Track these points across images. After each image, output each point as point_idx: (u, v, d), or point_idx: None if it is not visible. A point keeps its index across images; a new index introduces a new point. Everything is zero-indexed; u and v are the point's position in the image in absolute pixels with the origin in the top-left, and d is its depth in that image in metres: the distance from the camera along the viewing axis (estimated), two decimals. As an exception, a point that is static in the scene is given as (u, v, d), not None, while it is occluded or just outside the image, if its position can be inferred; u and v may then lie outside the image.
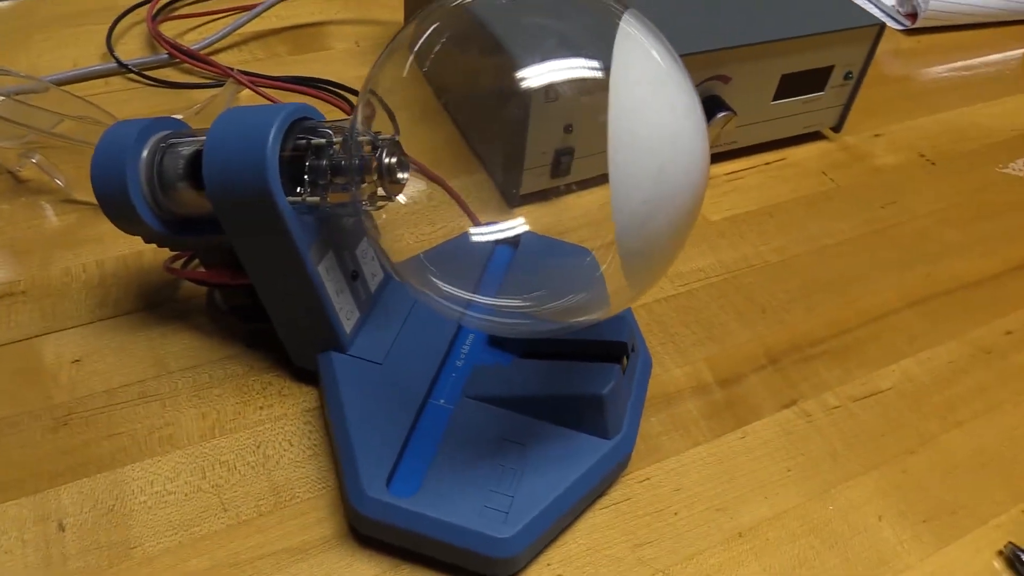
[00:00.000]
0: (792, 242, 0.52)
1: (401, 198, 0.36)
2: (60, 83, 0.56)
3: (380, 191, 0.34)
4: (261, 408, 0.40)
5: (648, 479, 0.38)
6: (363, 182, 0.33)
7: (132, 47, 0.62)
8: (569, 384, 0.35)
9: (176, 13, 0.65)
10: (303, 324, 0.38)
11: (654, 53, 0.27)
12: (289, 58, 0.62)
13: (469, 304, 0.34)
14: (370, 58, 0.62)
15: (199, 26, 0.64)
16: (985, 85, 0.70)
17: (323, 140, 0.34)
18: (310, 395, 0.40)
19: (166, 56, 0.59)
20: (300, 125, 0.35)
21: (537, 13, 0.37)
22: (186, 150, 0.37)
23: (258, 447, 0.38)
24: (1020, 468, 0.41)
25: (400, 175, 0.34)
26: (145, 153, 0.37)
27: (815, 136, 0.60)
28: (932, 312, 0.48)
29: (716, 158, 0.56)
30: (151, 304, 0.44)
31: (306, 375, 0.41)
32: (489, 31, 0.36)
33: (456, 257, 0.36)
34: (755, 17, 0.52)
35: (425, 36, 0.33)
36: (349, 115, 0.56)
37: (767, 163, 0.57)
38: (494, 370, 0.37)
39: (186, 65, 0.60)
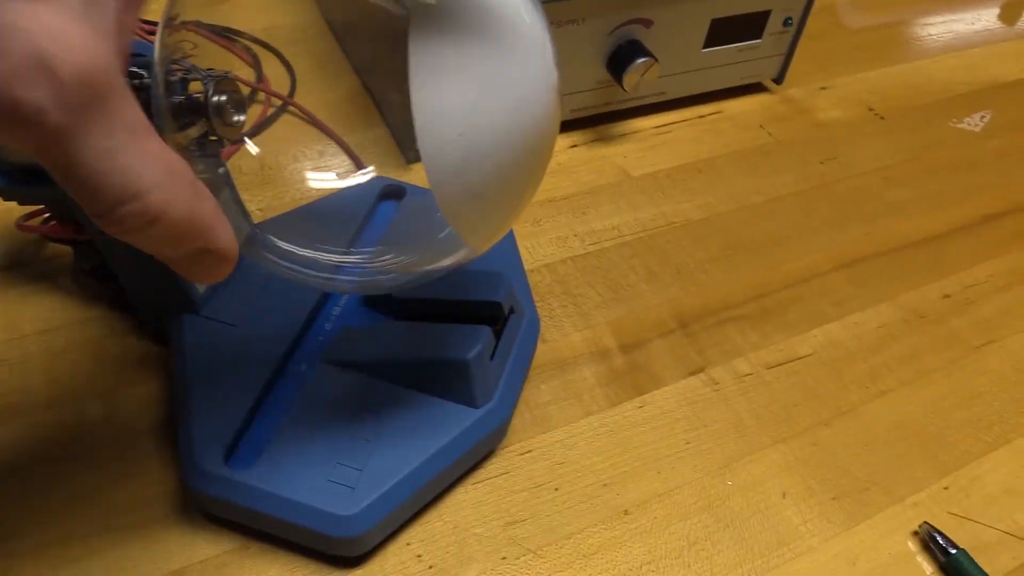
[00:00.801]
0: (719, 199, 0.48)
1: (251, 147, 0.33)
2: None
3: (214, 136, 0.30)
4: (116, 373, 0.36)
5: (530, 451, 0.35)
6: (191, 124, 0.30)
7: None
8: (434, 348, 0.32)
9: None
10: (150, 286, 0.34)
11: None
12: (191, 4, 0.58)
13: (338, 268, 0.30)
14: (284, 5, 0.58)
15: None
16: (943, 37, 0.66)
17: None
18: (169, 360, 0.37)
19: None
20: (133, 61, 0.32)
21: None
22: (14, 91, 0.33)
23: (107, 418, 0.35)
24: (944, 443, 0.37)
25: (236, 116, 0.30)
26: (-27, 95, 0.33)
27: (756, 88, 0.56)
28: (865, 274, 0.45)
29: (644, 110, 0.53)
30: (14, 263, 0.41)
31: (166, 340, 0.37)
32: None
33: (324, 217, 0.33)
34: (681, -45, 0.48)
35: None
36: (249, 65, 0.52)
37: (701, 116, 0.54)
38: (358, 333, 0.34)
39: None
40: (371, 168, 0.35)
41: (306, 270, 0.31)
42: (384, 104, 0.48)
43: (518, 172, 0.25)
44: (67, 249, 0.41)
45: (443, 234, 0.28)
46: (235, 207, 0.34)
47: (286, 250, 0.30)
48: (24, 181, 0.35)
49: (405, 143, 0.47)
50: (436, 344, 0.32)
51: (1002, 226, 0.49)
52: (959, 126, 0.56)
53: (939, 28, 0.67)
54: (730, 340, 0.40)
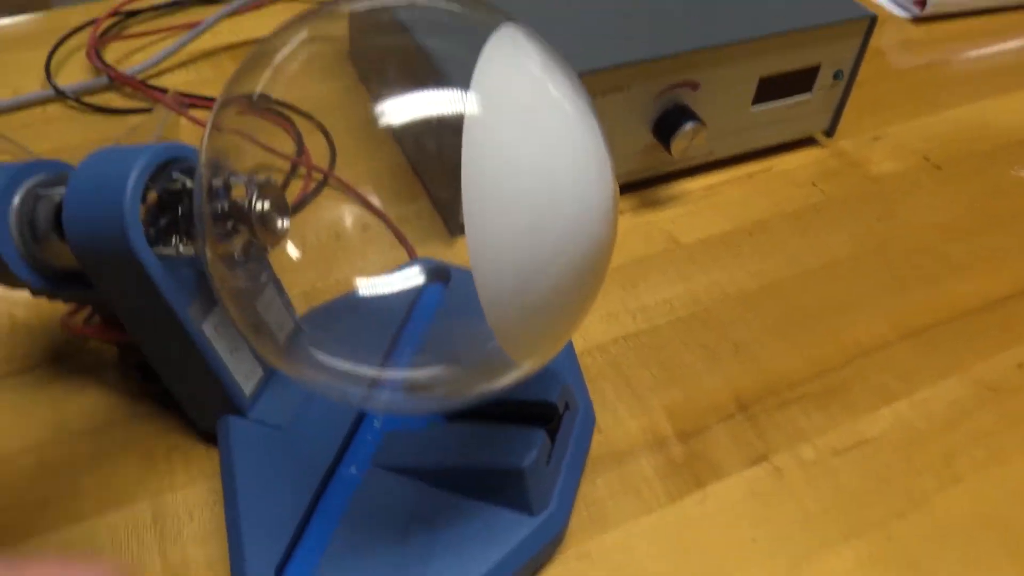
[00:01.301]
0: (773, 265, 0.46)
1: (291, 250, 0.32)
2: (-8, 113, 0.53)
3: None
4: (163, 475, 0.36)
5: (588, 555, 0.34)
6: (234, 232, 0.29)
7: (75, 71, 0.59)
8: (487, 454, 0.31)
9: (124, 33, 0.61)
10: (196, 387, 0.34)
11: (525, 78, 0.23)
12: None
13: (374, 384, 0.29)
14: (320, 74, 0.58)
15: (148, 45, 0.61)
16: (1000, 78, 0.63)
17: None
18: (217, 461, 0.36)
19: (106, 80, 0.56)
20: (177, 165, 0.31)
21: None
22: (58, 196, 0.33)
23: (155, 521, 0.34)
24: (1028, 532, 0.35)
25: (279, 222, 0.30)
26: (17, 201, 0.33)
27: (806, 142, 0.55)
28: (930, 344, 0.43)
29: (690, 172, 0.51)
30: (59, 357, 0.40)
31: (215, 439, 0.37)
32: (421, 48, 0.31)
33: (356, 316, 0.32)
34: (724, 13, 0.47)
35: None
36: (292, 139, 0.52)
37: (750, 175, 0.52)
38: (408, 436, 0.33)
39: (128, 89, 0.56)
40: (417, 267, 0.34)
41: (341, 386, 0.30)
42: (426, 176, 0.48)
43: (576, 291, 0.24)
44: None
45: (492, 344, 0.27)
46: (278, 303, 0.34)
47: (321, 363, 0.29)
48: (65, 284, 0.35)
49: (449, 216, 0.46)
50: (489, 449, 0.31)
51: (1074, 285, 0.46)
52: (1021, 174, 0.54)
53: (989, 67, 0.65)
54: (793, 423, 0.39)
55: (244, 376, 0.34)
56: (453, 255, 0.44)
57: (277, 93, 0.56)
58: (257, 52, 0.30)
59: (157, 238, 0.31)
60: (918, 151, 0.55)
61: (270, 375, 0.35)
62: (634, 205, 0.49)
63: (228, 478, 0.32)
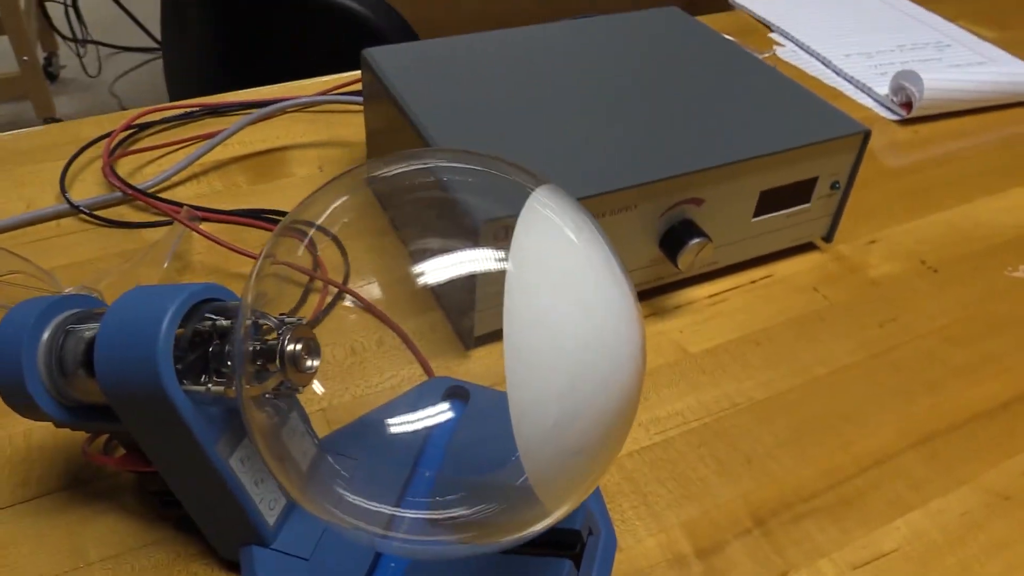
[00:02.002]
0: (780, 375, 0.47)
1: (317, 387, 0.33)
2: (8, 228, 0.54)
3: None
4: (183, 606, 0.36)
5: None
6: (265, 372, 0.30)
7: (89, 185, 0.60)
8: (513, 586, 0.31)
9: (137, 147, 0.63)
10: (220, 517, 0.34)
11: (559, 244, 0.24)
12: (248, 188, 0.59)
13: (391, 522, 0.29)
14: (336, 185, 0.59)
15: (160, 157, 0.63)
16: (989, 176, 0.66)
17: (229, 323, 0.31)
18: (238, 589, 0.36)
19: (119, 194, 0.57)
20: (208, 306, 0.32)
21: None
22: (89, 334, 0.34)
23: (176, 656, 0.34)
24: (1050, 649, 0.35)
25: (309, 363, 0.30)
26: (46, 336, 0.34)
27: (805, 248, 0.56)
28: (939, 452, 0.43)
29: (695, 280, 0.52)
30: (76, 482, 0.40)
31: (236, 566, 0.37)
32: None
33: (376, 434, 0.32)
34: (725, 134, 0.49)
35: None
36: (308, 251, 0.53)
37: (753, 281, 0.53)
38: (431, 566, 0.33)
39: (140, 203, 0.57)
40: (445, 405, 0.35)
41: (355, 521, 0.30)
42: (439, 288, 0.49)
43: (608, 439, 0.24)
44: (130, 464, 0.41)
45: (521, 481, 0.28)
46: (301, 430, 0.34)
47: (338, 494, 0.30)
48: (90, 417, 0.36)
49: (462, 328, 0.46)
50: (515, 581, 0.31)
51: (1075, 387, 0.48)
52: (1014, 275, 0.56)
53: (976, 167, 0.67)
54: (810, 538, 0.39)
55: (268, 507, 0.34)
56: (467, 371, 0.45)
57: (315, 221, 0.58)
58: (301, 207, 0.31)
59: (185, 375, 0.31)
60: (914, 254, 0.57)
61: (293, 506, 0.35)
62: (643, 314, 0.50)
63: (253, 612, 0.32)
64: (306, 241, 0.35)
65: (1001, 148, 0.70)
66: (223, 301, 0.32)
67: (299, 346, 0.30)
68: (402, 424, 0.36)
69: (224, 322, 0.31)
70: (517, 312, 0.22)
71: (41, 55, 2.10)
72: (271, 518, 0.34)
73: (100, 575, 0.37)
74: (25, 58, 1.84)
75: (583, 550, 0.33)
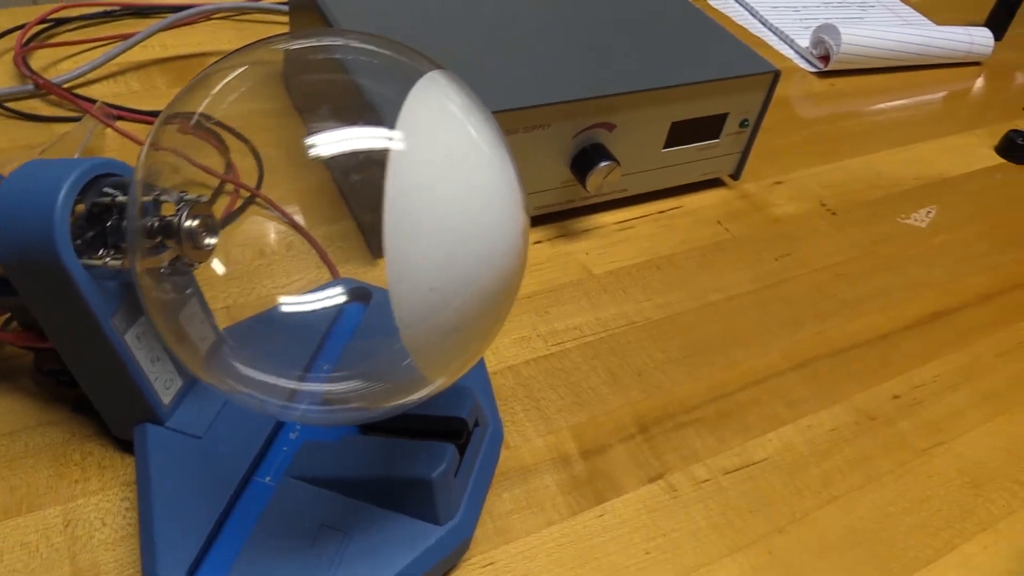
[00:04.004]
0: (678, 298, 0.49)
1: (217, 266, 0.33)
2: (-89, 114, 0.53)
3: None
4: (76, 481, 0.36)
5: (491, 563, 0.35)
6: (163, 247, 0.30)
7: (2, 77, 0.58)
8: (397, 465, 0.33)
9: (52, 41, 0.61)
10: (115, 394, 0.34)
11: (449, 120, 0.25)
12: (167, 90, 0.58)
13: (292, 396, 0.31)
14: (258, 92, 0.59)
15: (77, 54, 0.61)
16: (895, 131, 0.69)
17: (125, 198, 0.31)
18: (132, 467, 0.37)
19: (31, 87, 0.56)
20: (108, 180, 0.32)
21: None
22: (-16, 204, 0.33)
23: (67, 526, 0.35)
24: (895, 549, 0.39)
25: (207, 240, 0.31)
26: (-59, 206, 0.34)
27: (714, 183, 0.58)
28: (818, 375, 0.46)
29: (604, 206, 0.54)
30: (-27, 362, 0.40)
31: (130, 446, 0.37)
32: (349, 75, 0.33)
33: (277, 331, 0.33)
34: (642, 63, 0.50)
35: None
36: (221, 155, 0.53)
37: (661, 211, 0.55)
38: (322, 447, 0.34)
39: (54, 97, 0.56)
40: (340, 288, 0.36)
41: (261, 397, 0.31)
42: (352, 198, 0.49)
43: (487, 312, 0.26)
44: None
45: (407, 361, 0.29)
46: (200, 316, 0.35)
47: (241, 375, 0.31)
48: (-12, 290, 0.35)
49: (372, 238, 0.47)
50: (399, 461, 0.33)
51: (949, 324, 0.51)
52: (906, 222, 0.59)
53: (884, 121, 0.70)
54: (689, 445, 0.41)
55: (163, 386, 0.35)
56: (375, 277, 0.46)
57: (215, 114, 0.58)
58: (199, 77, 0.31)
59: (84, 250, 0.31)
60: (816, 196, 0.60)
61: (189, 386, 0.36)
62: (551, 235, 0.52)
63: (143, 484, 0.33)
64: (202, 134, 0.35)
65: (911, 107, 0.73)
66: (123, 176, 0.32)
67: (196, 222, 0.30)
68: (305, 315, 0.37)
69: (123, 197, 0.31)
70: (399, 178, 0.23)
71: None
72: (166, 397, 0.35)
73: (-7, 451, 0.37)
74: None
75: (468, 439, 0.35)
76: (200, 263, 0.31)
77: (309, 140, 0.28)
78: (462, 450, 0.34)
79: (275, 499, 0.33)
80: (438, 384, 0.28)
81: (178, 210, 0.30)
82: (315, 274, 0.45)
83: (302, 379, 0.34)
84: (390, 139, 0.24)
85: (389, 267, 0.23)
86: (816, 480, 0.41)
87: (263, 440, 0.35)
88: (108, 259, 0.31)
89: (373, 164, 0.27)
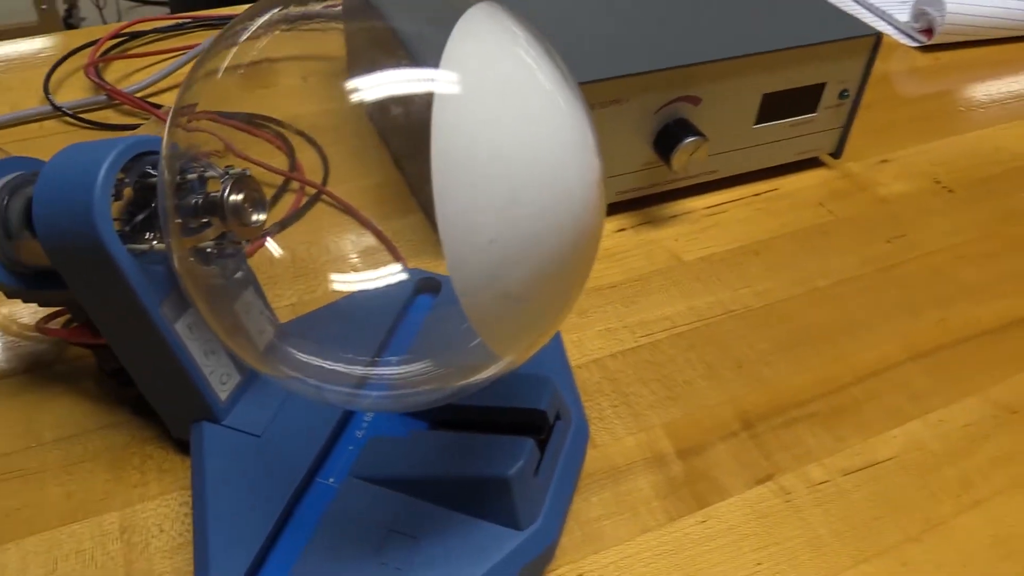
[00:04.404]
0: (780, 284, 0.45)
1: (272, 246, 0.31)
2: (-12, 128, 0.53)
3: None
4: (135, 486, 0.34)
5: (580, 575, 0.31)
6: (207, 225, 0.28)
7: (74, 90, 0.58)
8: (470, 463, 0.29)
9: (125, 54, 0.61)
10: (169, 391, 0.32)
11: (501, 50, 0.21)
12: (235, 95, 0.57)
13: (363, 382, 0.28)
14: (318, 93, 0.57)
15: (150, 66, 0.61)
16: (1011, 104, 0.62)
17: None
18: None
19: (104, 97, 0.55)
20: (150, 158, 0.30)
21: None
22: (31, 192, 0.32)
23: (123, 532, 0.32)
24: (1053, 560, 0.33)
25: (255, 216, 0.28)
26: (-9, 196, 0.32)
27: (812, 163, 0.53)
28: (945, 365, 0.41)
29: (692, 190, 0.50)
30: (36, 365, 0.39)
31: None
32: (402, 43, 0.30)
33: (351, 317, 0.30)
34: (728, 28, 0.46)
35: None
36: (284, 152, 0.51)
37: (756, 194, 0.51)
38: (389, 444, 0.31)
39: (126, 107, 0.56)
40: (402, 267, 0.33)
41: (327, 385, 0.28)
42: (420, 191, 0.47)
43: (558, 277, 0.22)
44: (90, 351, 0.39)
45: (476, 342, 0.26)
46: (258, 307, 0.32)
47: (305, 362, 0.28)
48: (39, 284, 0.34)
49: (427, 203, 0.44)
50: (473, 458, 0.29)
51: (1094, 307, 0.45)
52: (1035, 198, 0.52)
53: (998, 94, 0.64)
54: (801, 443, 0.37)
55: (219, 380, 0.32)
56: (444, 268, 0.43)
57: (275, 114, 0.56)
58: (233, 39, 0.29)
59: (132, 235, 0.29)
60: (928, 174, 0.54)
61: (248, 382, 0.34)
62: (636, 222, 0.48)
63: (198, 486, 0.31)
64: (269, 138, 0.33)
65: (1022, 80, 0.66)
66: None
67: (241, 196, 0.28)
68: (370, 301, 0.34)
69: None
70: (446, 112, 0.20)
71: (62, 6, 2.09)
72: (223, 393, 0.32)
73: (53, 455, 0.35)
74: (44, 7, 1.83)
75: (550, 434, 0.31)
76: (249, 241, 0.29)
77: (351, 84, 0.25)
78: (542, 446, 0.31)
79: (337, 501, 0.30)
80: (508, 361, 0.24)
81: (222, 185, 0.28)
82: (383, 269, 0.43)
83: (370, 365, 0.31)
84: (432, 76, 0.21)
85: (441, 217, 0.20)
86: (953, 482, 0.36)
87: (326, 438, 0.32)
88: (155, 242, 0.29)
89: (416, 107, 0.24)
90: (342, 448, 0.33)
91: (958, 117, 0.60)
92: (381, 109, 0.36)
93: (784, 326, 0.42)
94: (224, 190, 0.27)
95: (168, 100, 0.57)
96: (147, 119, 0.52)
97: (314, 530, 0.29)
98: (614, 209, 0.49)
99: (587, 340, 0.41)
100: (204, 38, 0.63)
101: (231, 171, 0.28)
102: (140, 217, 0.30)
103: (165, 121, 0.50)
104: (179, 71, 0.58)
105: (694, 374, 0.39)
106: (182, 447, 0.35)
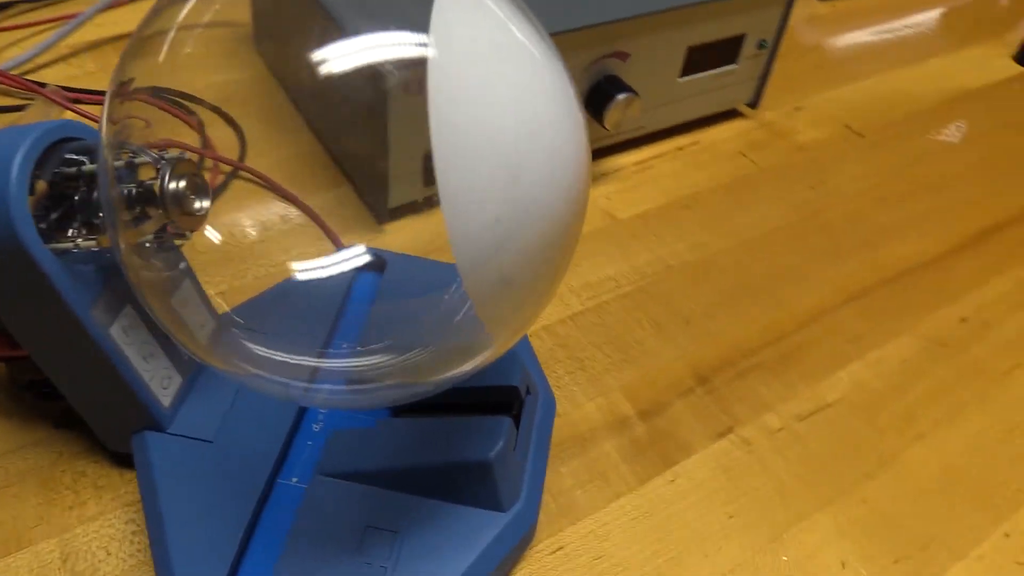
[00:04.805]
0: (713, 237, 0.45)
1: (211, 234, 0.28)
2: None
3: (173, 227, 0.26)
4: (71, 508, 0.31)
5: (561, 548, 0.31)
6: (145, 217, 0.25)
7: (-65, 70, 0.52)
8: (447, 448, 0.28)
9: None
10: (105, 401, 0.29)
11: (495, 18, 0.20)
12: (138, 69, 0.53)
13: (315, 374, 0.26)
14: (221, 62, 0.53)
15: (24, 39, 0.55)
16: (906, 48, 0.65)
17: (93, 166, 0.26)
18: (134, 484, 0.32)
19: (-29, 78, 0.50)
20: (68, 146, 0.27)
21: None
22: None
23: (65, 560, 0.30)
24: (995, 484, 0.35)
25: (197, 204, 0.26)
26: None
27: (730, 114, 0.54)
28: (876, 305, 0.42)
29: (622, 147, 0.50)
30: (-65, 384, 0.35)
31: (129, 459, 0.32)
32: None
33: (289, 306, 0.28)
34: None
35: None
36: (195, 129, 0.48)
37: (680, 148, 0.51)
38: (354, 437, 0.30)
39: (3, 85, 0.50)
40: (361, 247, 0.31)
41: (277, 379, 0.26)
42: (347, 160, 0.44)
43: (554, 252, 0.21)
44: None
45: (459, 317, 0.24)
46: (198, 300, 0.30)
47: (253, 352, 0.26)
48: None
49: (376, 202, 0.42)
50: (448, 443, 0.28)
51: (1001, 239, 0.47)
52: (938, 139, 0.55)
53: (894, 38, 0.66)
54: (754, 393, 0.37)
55: (160, 385, 0.30)
56: (384, 243, 0.41)
57: (178, 83, 0.52)
58: (151, 30, 0.26)
59: (49, 233, 0.26)
60: (839, 120, 0.55)
61: (190, 383, 0.31)
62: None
63: (151, 502, 0.28)
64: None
65: (920, 22, 0.69)
66: (86, 140, 0.27)
67: (183, 183, 0.25)
68: (316, 285, 0.32)
69: (91, 165, 0.26)
70: (445, 85, 0.18)
71: None
72: (165, 398, 0.30)
73: (-30, 483, 0.32)
74: None
75: (521, 408, 0.30)
76: (193, 231, 0.26)
77: (319, 55, 0.23)
78: (516, 422, 0.30)
79: (306, 503, 0.28)
80: (499, 345, 0.23)
81: (159, 172, 0.25)
82: (316, 247, 0.40)
83: (322, 356, 0.29)
84: (423, 43, 0.19)
85: (446, 200, 0.18)
86: (898, 418, 0.37)
87: (284, 435, 0.30)
88: (80, 239, 0.26)
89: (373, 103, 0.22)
90: (300, 444, 0.31)
91: (860, 63, 0.62)
92: (297, 75, 0.33)
93: (723, 278, 0.43)
94: (163, 177, 0.25)
95: (51, 76, 0.52)
96: (32, 100, 0.47)
97: (287, 536, 0.28)
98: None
99: (535, 308, 0.40)
100: (82, 6, 0.57)
101: (166, 155, 0.25)
102: (56, 214, 0.27)
103: (55, 101, 0.45)
104: (62, 43, 0.53)
105: (644, 333, 0.39)
106: (118, 460, 0.32)
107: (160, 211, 0.25)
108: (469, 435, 0.28)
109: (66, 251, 0.26)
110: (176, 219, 0.25)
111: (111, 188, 0.23)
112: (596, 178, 0.48)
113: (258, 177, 0.43)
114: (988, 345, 0.41)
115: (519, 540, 0.29)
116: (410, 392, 0.25)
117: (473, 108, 0.18)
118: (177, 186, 0.25)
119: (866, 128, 0.55)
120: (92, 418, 0.31)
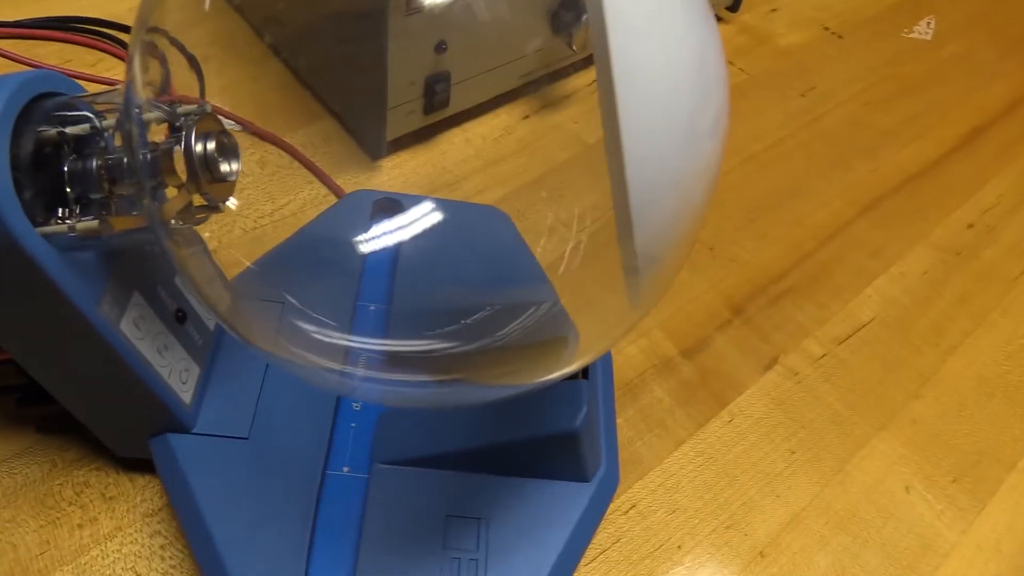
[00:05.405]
0: (719, 155, 0.43)
1: (232, 202, 0.24)
2: None
3: (197, 199, 0.21)
4: (80, 526, 0.27)
5: (634, 506, 0.29)
6: (162, 186, 0.21)
7: None
8: (524, 422, 0.25)
9: None
10: (116, 407, 0.25)
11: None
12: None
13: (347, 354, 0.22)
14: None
15: None
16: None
17: (86, 126, 0.21)
18: (150, 489, 0.28)
19: None
20: (44, 105, 0.22)
21: None
22: None
23: (86, 589, 0.26)
24: (1029, 389, 0.35)
25: (227, 167, 0.21)
26: None
27: (710, 20, 0.51)
28: (887, 215, 0.41)
29: (586, 63, 0.46)
30: None
31: (136, 462, 0.28)
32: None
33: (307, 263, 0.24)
34: None
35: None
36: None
37: (666, 61, 0.48)
38: (407, 418, 0.26)
39: None
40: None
41: (309, 354, 0.23)
42: (330, 90, 0.39)
43: (701, 213, 0.19)
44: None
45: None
46: (216, 277, 0.25)
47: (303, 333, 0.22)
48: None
49: (369, 136, 0.38)
50: (525, 416, 0.25)
51: (988, 140, 0.47)
52: (911, 36, 0.54)
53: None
54: (790, 319, 0.36)
55: (179, 380, 0.25)
56: (381, 183, 0.37)
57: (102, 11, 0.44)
58: None
59: (33, 209, 0.21)
60: (815, 20, 0.53)
61: (208, 373, 0.27)
62: (537, 107, 0.44)
63: (188, 512, 0.24)
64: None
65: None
66: (66, 96, 0.22)
67: (211, 144, 0.21)
68: (334, 249, 0.28)
69: (80, 126, 0.21)
70: (619, 22, 0.15)
71: None
72: (186, 395, 0.26)
73: (-53, 509, 0.27)
74: None
75: (588, 370, 0.28)
76: (224, 201, 0.22)
77: None
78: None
79: (372, 497, 0.25)
80: (641, 313, 0.20)
81: (175, 131, 0.21)
82: (308, 191, 0.36)
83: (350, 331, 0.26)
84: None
85: (626, 153, 0.15)
86: (929, 332, 0.37)
87: (328, 424, 0.27)
88: (76, 221, 0.21)
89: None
90: (343, 429, 0.27)
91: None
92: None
93: (737, 199, 0.41)
94: (187, 138, 0.20)
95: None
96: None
97: (357, 537, 0.24)
98: (513, 95, 0.44)
99: (536, 244, 0.37)
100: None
101: (179, 109, 0.21)
102: (40, 187, 0.22)
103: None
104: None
105: (671, 266, 0.37)
106: (124, 464, 0.28)
107: (190, 178, 0.20)
108: (547, 404, 0.25)
109: (60, 235, 0.21)
110: (207, 188, 0.21)
111: (136, 151, 0.19)
112: (560, 101, 0.44)
113: (226, 117, 0.37)
114: (997, 249, 0.41)
115: (607, 508, 0.26)
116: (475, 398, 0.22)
117: (651, 48, 0.15)
118: (204, 148, 0.20)
119: (843, 28, 0.53)
120: (98, 424, 0.26)
